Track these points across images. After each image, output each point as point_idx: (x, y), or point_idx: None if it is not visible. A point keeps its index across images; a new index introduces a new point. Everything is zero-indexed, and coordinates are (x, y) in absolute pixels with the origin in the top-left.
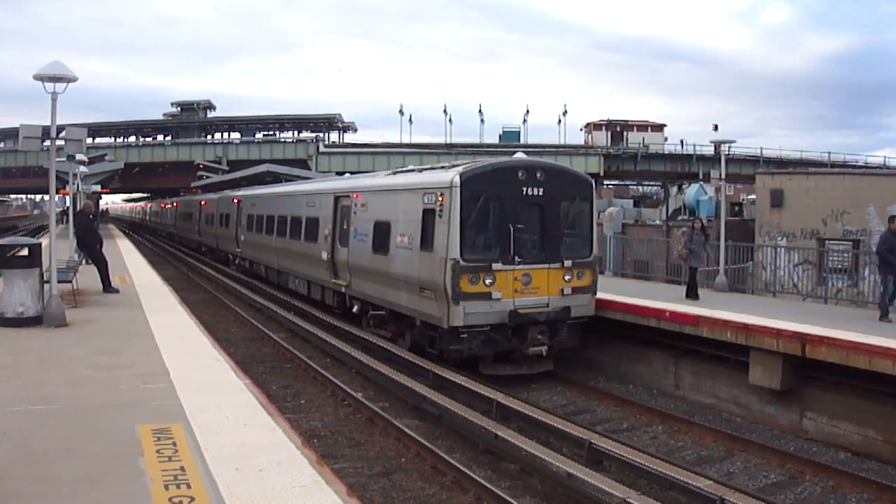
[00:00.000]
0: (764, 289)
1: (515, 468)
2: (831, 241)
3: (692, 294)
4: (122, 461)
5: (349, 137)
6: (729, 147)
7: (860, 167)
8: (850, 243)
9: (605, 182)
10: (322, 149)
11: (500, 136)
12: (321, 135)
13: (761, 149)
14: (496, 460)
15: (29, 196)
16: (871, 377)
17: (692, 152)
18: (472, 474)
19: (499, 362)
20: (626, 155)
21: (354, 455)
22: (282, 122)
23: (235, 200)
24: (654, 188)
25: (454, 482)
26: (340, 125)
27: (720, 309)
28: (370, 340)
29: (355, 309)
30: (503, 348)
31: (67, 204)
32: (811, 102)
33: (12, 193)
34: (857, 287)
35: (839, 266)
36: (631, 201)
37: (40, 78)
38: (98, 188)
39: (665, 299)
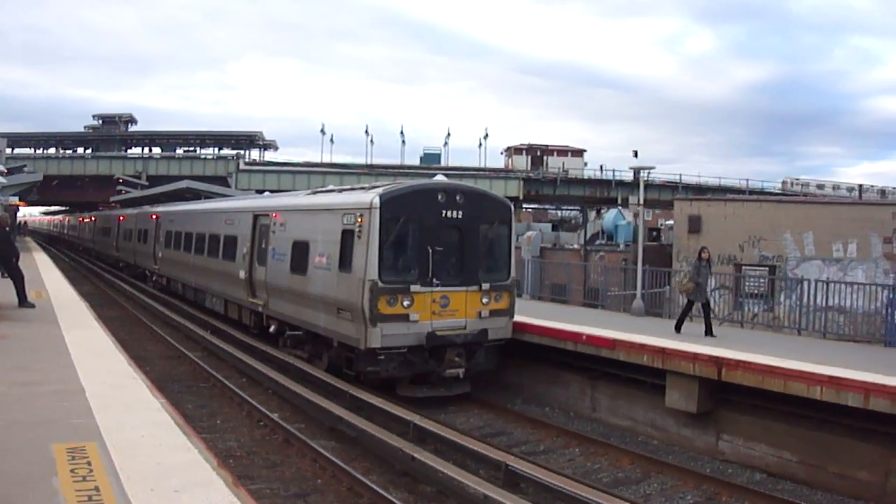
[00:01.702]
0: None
1: (433, 490)
2: (748, 267)
3: (709, 331)
4: (35, 481)
5: (270, 155)
6: (648, 173)
7: (777, 194)
8: (767, 269)
9: (525, 206)
10: (242, 166)
11: (420, 158)
12: (242, 152)
13: (680, 175)
14: (413, 482)
15: None
16: (786, 400)
17: (612, 178)
18: (388, 496)
19: (416, 384)
20: (545, 179)
21: (271, 476)
22: (203, 138)
23: (154, 216)
24: (573, 212)
25: None
26: (261, 143)
27: (637, 333)
28: (287, 361)
29: (272, 329)
30: (420, 370)
31: None
32: (732, 130)
33: None
34: (772, 312)
35: (755, 291)
36: (550, 225)
37: None
38: (16, 200)
39: (582, 322)
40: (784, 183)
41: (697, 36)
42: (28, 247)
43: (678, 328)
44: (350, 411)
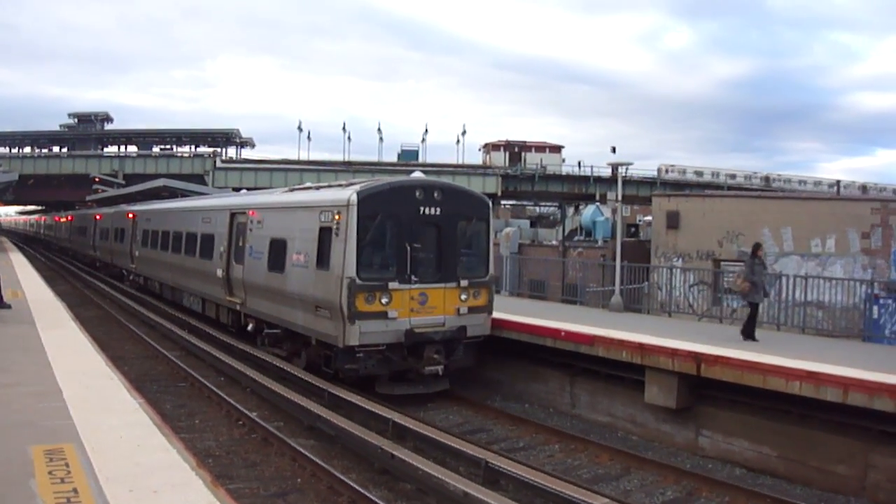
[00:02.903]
0: (660, 309)
1: (412, 488)
2: (726, 263)
3: (750, 334)
4: (13, 483)
5: (247, 153)
6: (626, 169)
7: (756, 190)
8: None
9: (503, 202)
10: (219, 164)
11: (398, 155)
12: (219, 150)
13: (658, 171)
14: (393, 480)
15: None
16: (765, 395)
17: (590, 174)
18: (368, 494)
19: (395, 382)
20: (523, 176)
21: (250, 475)
22: (179, 136)
23: (130, 215)
24: (552, 209)
25: (350, 502)
26: (238, 140)
27: (616, 329)
28: (265, 359)
29: (250, 327)
30: (399, 368)
31: None
32: (711, 125)
33: None
34: None
35: (733, 287)
36: (528, 221)
37: None
38: None
39: (561, 319)
40: (766, 179)
41: (676, 32)
42: (4, 247)
43: (751, 335)
44: (329, 409)
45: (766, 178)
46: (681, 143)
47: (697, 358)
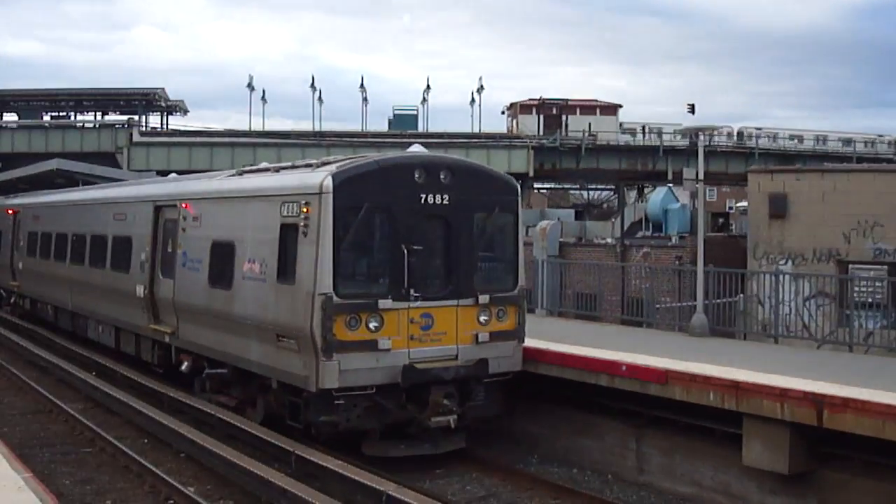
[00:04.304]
0: (761, 332)
1: None
2: (857, 266)
3: None
4: None
5: (177, 122)
6: (711, 136)
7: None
8: (886, 268)
9: (536, 186)
10: (137, 138)
11: (389, 122)
12: (136, 118)
13: (756, 137)
14: None
15: None
16: None
17: (658, 143)
18: None
19: (389, 439)
20: (565, 147)
21: None
22: (79, 99)
23: (10, 212)
24: (605, 194)
25: None
26: (164, 104)
27: (699, 360)
28: (206, 411)
29: (185, 367)
30: (395, 419)
31: None
32: (831, 71)
33: None
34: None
35: (869, 300)
36: (572, 212)
37: None
38: None
39: (621, 348)
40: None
41: None
42: None
43: None
44: (298, 480)
45: None
46: (788, 99)
47: (818, 401)
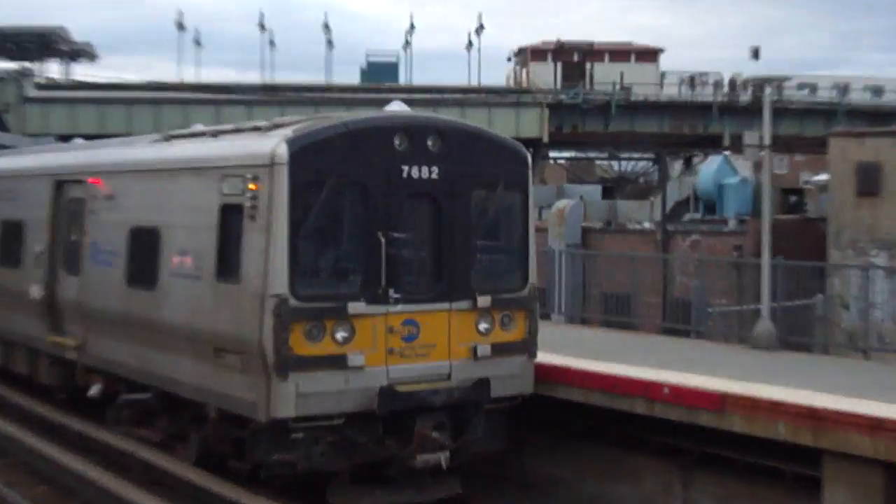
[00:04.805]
0: (847, 344)
1: None
2: None
3: None
4: None
5: (84, 71)
6: (780, 88)
7: None
8: None
9: (552, 155)
10: (32, 92)
11: (362, 73)
12: (30, 65)
13: (840, 89)
14: None
15: None
16: None
17: (711, 99)
18: None
19: (363, 483)
20: (588, 105)
21: None
22: None
23: None
24: (642, 165)
25: None
26: (67, 49)
27: (764, 381)
28: (123, 449)
29: (94, 390)
30: (370, 457)
31: None
32: None
33: None
34: None
35: None
36: (598, 188)
37: None
38: None
39: (662, 365)
40: None
41: None
42: None
43: None
44: None
45: None
46: (882, 39)
47: None
